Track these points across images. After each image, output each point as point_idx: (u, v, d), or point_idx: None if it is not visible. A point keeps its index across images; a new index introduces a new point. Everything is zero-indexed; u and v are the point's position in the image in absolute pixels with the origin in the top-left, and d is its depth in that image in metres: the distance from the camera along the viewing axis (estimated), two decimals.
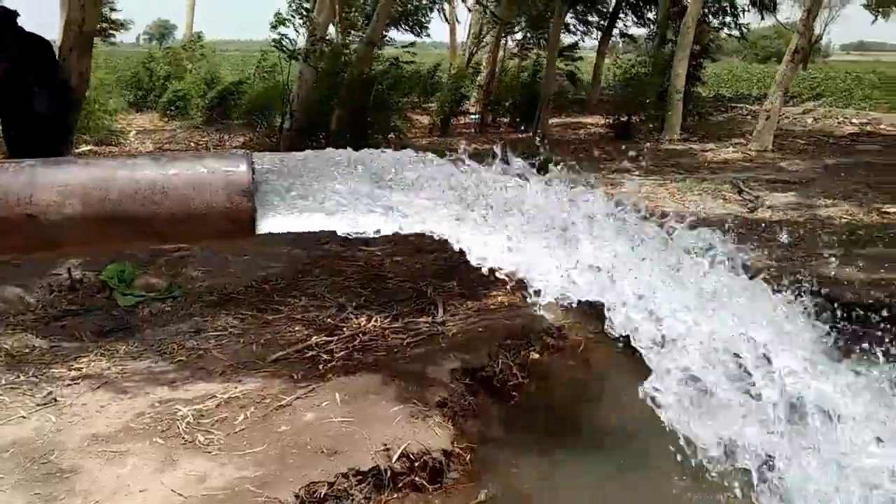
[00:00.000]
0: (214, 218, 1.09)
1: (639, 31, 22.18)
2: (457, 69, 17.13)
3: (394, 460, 2.57)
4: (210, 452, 2.57)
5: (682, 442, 1.48)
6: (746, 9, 17.25)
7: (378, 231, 1.25)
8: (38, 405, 2.98)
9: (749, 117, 16.53)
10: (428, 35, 16.99)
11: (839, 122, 15.13)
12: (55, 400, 3.02)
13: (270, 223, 1.18)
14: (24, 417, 2.87)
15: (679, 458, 1.64)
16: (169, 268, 4.86)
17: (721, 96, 21.65)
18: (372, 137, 10.65)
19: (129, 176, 1.08)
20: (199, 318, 4.05)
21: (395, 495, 2.54)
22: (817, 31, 41.70)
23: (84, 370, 3.35)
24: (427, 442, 2.68)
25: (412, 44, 14.09)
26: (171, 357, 3.51)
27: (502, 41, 16.75)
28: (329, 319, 4.06)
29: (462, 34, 23.76)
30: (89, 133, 10.60)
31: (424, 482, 2.60)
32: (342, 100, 10.69)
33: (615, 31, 22.46)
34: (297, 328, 3.93)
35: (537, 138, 12.53)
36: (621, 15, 22.09)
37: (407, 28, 16.16)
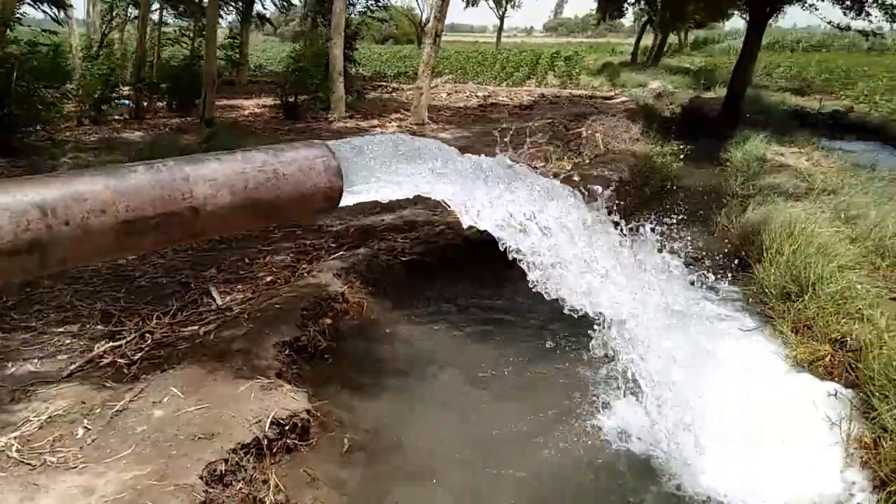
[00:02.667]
0: (318, 197, 1.33)
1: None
2: (84, 50, 15.46)
3: (267, 429, 2.75)
4: (74, 468, 2.44)
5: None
6: None
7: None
8: None
9: (394, 94, 18.28)
10: (69, 16, 14.94)
11: (467, 96, 17.64)
12: None
13: (350, 197, 1.44)
14: None
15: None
16: None
17: (363, 75, 23.28)
18: (19, 131, 9.33)
19: (257, 167, 1.25)
20: None
21: (275, 460, 2.74)
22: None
23: None
24: (290, 406, 2.91)
25: (53, 29, 12.35)
26: None
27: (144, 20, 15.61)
28: (98, 326, 3.82)
29: (81, 11, 21.34)
30: None
31: (296, 442, 2.84)
32: None
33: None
34: (67, 341, 3.64)
35: (204, 122, 12.23)
36: None
37: (41, 8, 14.04)
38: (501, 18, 49.39)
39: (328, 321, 4.00)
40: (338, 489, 2.76)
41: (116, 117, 13.38)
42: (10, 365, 3.35)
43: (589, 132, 9.23)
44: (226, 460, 2.49)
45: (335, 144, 1.43)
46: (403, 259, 5.04)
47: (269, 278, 4.57)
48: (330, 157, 1.33)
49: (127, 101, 14.33)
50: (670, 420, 3.02)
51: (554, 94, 18.04)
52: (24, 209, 0.97)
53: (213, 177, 1.16)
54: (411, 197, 1.71)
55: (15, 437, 2.65)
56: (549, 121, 12.22)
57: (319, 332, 3.83)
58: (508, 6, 45.58)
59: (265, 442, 2.71)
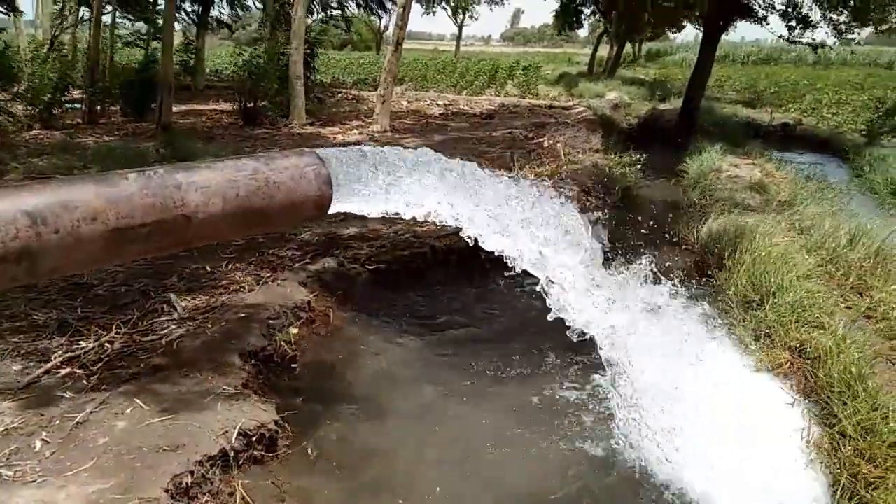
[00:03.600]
0: (308, 205, 1.31)
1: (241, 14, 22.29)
2: (31, 51, 15.03)
3: (233, 440, 2.70)
4: (33, 482, 2.36)
5: None
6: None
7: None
8: None
9: (354, 101, 18.22)
10: (20, 13, 14.48)
11: (428, 104, 17.68)
12: None
13: (338, 205, 1.42)
14: None
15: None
16: None
17: (322, 82, 23.14)
18: None
19: (248, 174, 1.23)
20: None
21: (241, 470, 2.69)
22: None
23: None
24: (258, 417, 2.86)
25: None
26: None
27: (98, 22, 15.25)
28: (55, 336, 3.70)
29: (30, 11, 20.74)
30: None
31: (263, 453, 2.79)
32: None
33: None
34: (22, 351, 3.51)
35: (161, 127, 12.01)
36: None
37: None
38: (460, 27, 49.68)
39: (294, 331, 3.95)
40: (304, 500, 2.72)
41: (69, 122, 13.03)
42: None
43: (550, 142, 9.34)
44: (192, 472, 2.44)
45: (325, 153, 1.42)
46: (370, 268, 5.01)
47: (232, 287, 4.49)
48: (320, 166, 1.32)
49: (79, 105, 13.97)
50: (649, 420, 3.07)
51: (514, 104, 18.21)
52: (12, 217, 0.94)
53: (206, 184, 1.14)
54: (401, 213, 1.70)
55: None
56: (511, 130, 12.33)
57: (286, 342, 3.78)
58: (466, 16, 45.86)
59: (232, 454, 2.66)
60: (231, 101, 14.15)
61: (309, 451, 2.98)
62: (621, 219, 7.52)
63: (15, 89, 14.61)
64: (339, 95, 19.50)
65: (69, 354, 3.48)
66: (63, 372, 3.31)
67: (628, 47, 39.16)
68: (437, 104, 17.48)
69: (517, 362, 3.88)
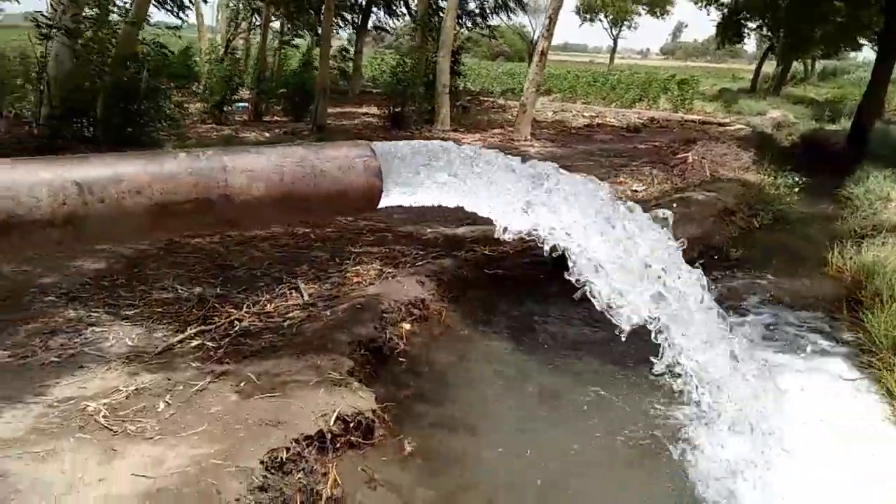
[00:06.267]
0: (355, 195, 1.34)
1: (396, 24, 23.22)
2: (210, 54, 16.50)
3: (332, 423, 2.80)
4: (151, 438, 2.58)
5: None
6: (493, 12, 18.98)
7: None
8: None
9: (500, 110, 18.39)
10: (187, 17, 16.06)
11: (573, 115, 17.49)
12: None
13: (389, 198, 1.45)
14: None
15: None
16: None
17: (471, 91, 23.55)
18: (146, 126, 10.04)
19: (295, 161, 1.28)
20: (46, 318, 3.77)
21: (337, 455, 2.78)
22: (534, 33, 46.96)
23: None
24: (357, 404, 2.95)
25: (177, 27, 13.26)
26: (37, 360, 3.28)
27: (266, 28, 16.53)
28: (194, 309, 4.03)
29: (210, 18, 22.81)
30: None
31: (360, 440, 2.88)
32: (108, 85, 9.87)
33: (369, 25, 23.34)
34: (164, 321, 3.86)
35: (316, 127, 12.74)
36: (374, 9, 23.03)
37: (168, 9, 15.16)
38: (615, 39, 48.68)
39: (407, 326, 4.04)
40: (395, 492, 2.77)
41: (236, 119, 14.18)
42: (111, 338, 3.59)
43: (695, 157, 8.91)
44: (288, 448, 2.56)
45: (380, 146, 1.44)
46: (488, 272, 5.02)
47: (355, 279, 4.68)
48: (371, 158, 1.35)
49: (246, 105, 15.16)
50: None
51: (664, 118, 17.57)
52: (62, 185, 1.04)
53: (250, 168, 1.20)
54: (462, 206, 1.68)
55: (104, 404, 2.83)
56: (656, 144, 11.89)
57: (397, 336, 3.88)
58: (624, 26, 44.82)
59: (329, 436, 2.76)
60: (383, 106, 14.75)
61: (405, 445, 3.02)
62: (767, 244, 7.03)
63: (194, 87, 16.13)
64: (486, 104, 19.76)
65: (202, 328, 3.78)
66: (194, 343, 3.60)
67: (799, 65, 36.55)
68: (583, 115, 17.25)
69: (628, 393, 3.72)
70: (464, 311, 4.48)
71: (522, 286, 5.00)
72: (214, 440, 2.57)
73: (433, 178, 1.49)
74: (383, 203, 1.43)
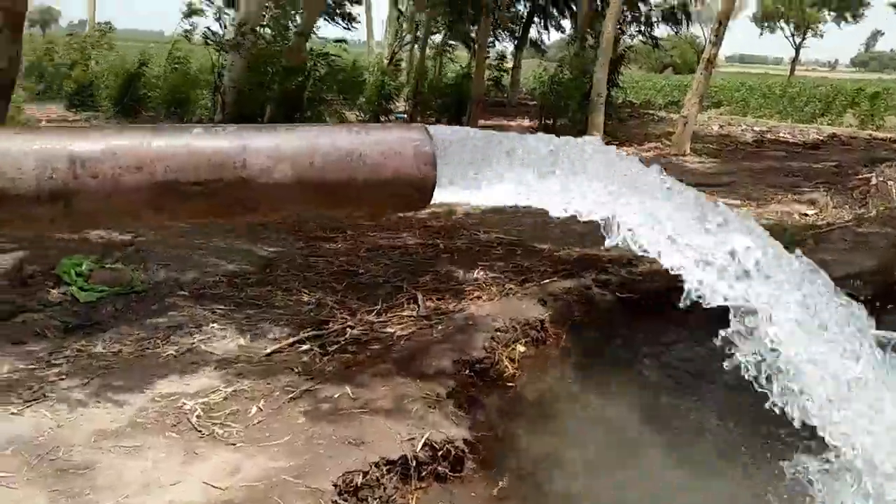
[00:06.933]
0: (402, 186, 1.13)
1: (553, 36, 22.96)
2: (376, 66, 17.16)
3: (418, 450, 2.61)
4: (234, 444, 2.54)
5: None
6: (658, 20, 18.15)
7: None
8: (28, 401, 2.83)
9: (660, 122, 17.47)
10: (356, 28, 16.85)
11: (742, 130, 16.21)
12: (45, 395, 2.88)
13: (445, 192, 1.22)
14: (15, 414, 2.72)
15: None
16: (126, 262, 4.66)
17: (631, 102, 22.65)
18: None
19: (331, 143, 1.10)
20: (174, 313, 3.93)
21: (420, 485, 2.59)
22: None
23: (65, 367, 3.19)
24: (448, 431, 2.74)
25: (343, 39, 13.94)
26: (157, 353, 3.40)
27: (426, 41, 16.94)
28: (311, 313, 4.04)
29: (379, 33, 23.76)
30: None
31: (447, 472, 2.66)
32: (276, 93, 10.50)
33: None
34: (281, 323, 3.89)
35: None
36: (535, 19, 22.86)
37: (336, 22, 15.99)
38: (797, 49, 44.90)
39: (521, 348, 3.78)
40: None
41: None
42: (227, 337, 3.66)
43: (879, 179, 7.82)
44: (365, 473, 2.40)
45: (438, 129, 1.21)
46: (620, 296, 4.63)
47: (475, 293, 4.49)
48: (424, 142, 1.13)
49: (404, 115, 15.59)
50: None
51: (848, 135, 15.81)
52: (51, 158, 0.92)
53: (274, 148, 1.03)
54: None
55: (201, 403, 2.85)
56: (835, 163, 10.67)
57: (508, 358, 3.63)
58: (808, 35, 41.20)
59: (413, 463, 2.57)
60: (536, 117, 14.53)
61: (498, 483, 2.77)
62: None
63: (358, 101, 16.87)
64: (646, 117, 18.89)
65: (314, 332, 3.76)
66: (304, 347, 3.58)
67: None
68: (753, 130, 15.94)
69: (768, 439, 3.19)
70: (587, 337, 4.13)
71: (660, 317, 4.53)
72: (293, 454, 2.48)
73: (505, 172, 1.25)
74: (438, 198, 1.21)
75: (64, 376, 3.08)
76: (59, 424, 2.66)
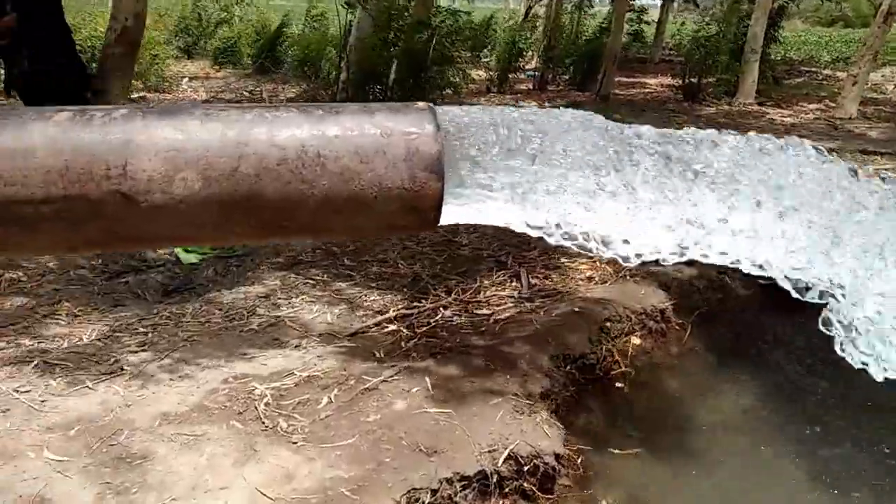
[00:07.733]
0: (385, 203, 0.72)
1: None
2: (512, 22, 16.49)
3: (500, 463, 2.25)
4: (295, 443, 2.30)
5: None
6: None
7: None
8: (104, 374, 2.74)
9: (824, 82, 15.61)
10: None
11: None
12: (122, 369, 2.78)
13: (458, 211, 0.80)
14: (89, 388, 2.64)
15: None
16: None
17: (790, 59, 20.44)
18: (431, 91, 10.26)
19: (271, 137, 0.70)
20: (268, 281, 3.78)
21: (502, 503, 2.23)
22: None
23: (150, 335, 3.11)
24: (537, 443, 2.35)
25: None
26: (241, 324, 3.25)
27: None
28: (405, 289, 3.75)
29: None
30: (142, 79, 10.39)
31: (534, 489, 2.29)
32: (401, 51, 10.26)
33: None
34: (372, 297, 3.64)
35: (599, 97, 11.99)
36: None
37: None
38: None
39: (636, 341, 3.30)
40: None
41: (521, 87, 13.99)
42: (314, 311, 3.45)
43: None
44: (434, 491, 2.07)
45: (453, 112, 0.77)
46: (761, 284, 3.96)
47: (588, 273, 4.01)
48: (425, 136, 0.70)
49: (535, 73, 14.87)
50: None
51: None
52: None
53: (179, 146, 0.65)
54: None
55: (272, 389, 2.64)
56: None
57: (618, 352, 3.16)
58: None
59: (494, 479, 2.21)
60: (679, 76, 13.36)
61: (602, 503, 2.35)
62: None
63: (487, 58, 16.35)
64: (807, 75, 16.96)
65: (403, 311, 3.47)
66: (390, 328, 3.30)
67: None
68: None
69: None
70: (717, 330, 3.55)
71: (809, 308, 3.86)
72: (355, 460, 2.19)
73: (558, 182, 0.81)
74: (451, 218, 0.80)
75: (145, 347, 2.98)
76: (128, 403, 2.54)
